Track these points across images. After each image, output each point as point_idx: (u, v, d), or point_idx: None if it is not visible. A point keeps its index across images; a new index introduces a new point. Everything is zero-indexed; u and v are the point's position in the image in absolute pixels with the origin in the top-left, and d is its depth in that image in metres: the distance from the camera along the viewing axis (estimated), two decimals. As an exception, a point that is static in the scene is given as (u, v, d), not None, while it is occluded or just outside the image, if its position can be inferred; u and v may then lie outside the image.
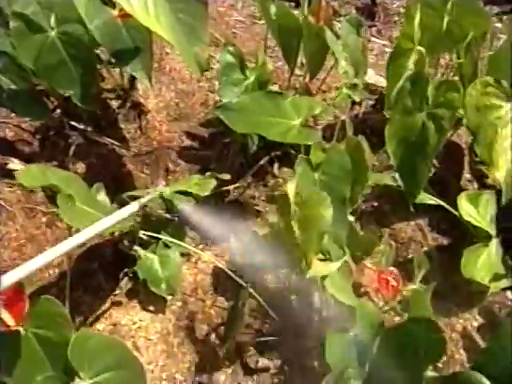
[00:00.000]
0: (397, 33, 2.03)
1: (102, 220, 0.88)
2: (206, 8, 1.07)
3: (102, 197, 1.13)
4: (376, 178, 1.20)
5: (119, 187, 1.49)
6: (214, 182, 1.15)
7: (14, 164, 1.41)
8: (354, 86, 1.16)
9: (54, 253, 0.82)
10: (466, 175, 1.52)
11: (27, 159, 1.51)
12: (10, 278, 0.79)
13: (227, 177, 1.21)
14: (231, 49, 1.22)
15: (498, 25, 1.97)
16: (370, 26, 2.10)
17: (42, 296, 0.83)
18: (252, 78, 1.24)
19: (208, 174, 1.18)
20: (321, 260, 0.93)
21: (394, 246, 1.15)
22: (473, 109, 1.25)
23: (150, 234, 1.11)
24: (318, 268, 0.88)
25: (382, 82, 1.70)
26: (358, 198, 1.08)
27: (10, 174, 1.45)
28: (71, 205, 0.87)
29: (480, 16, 1.23)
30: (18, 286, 0.80)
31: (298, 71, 1.60)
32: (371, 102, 1.66)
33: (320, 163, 1.02)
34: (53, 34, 1.25)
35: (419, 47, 1.22)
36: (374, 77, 1.75)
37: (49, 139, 1.52)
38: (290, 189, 0.84)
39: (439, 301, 1.28)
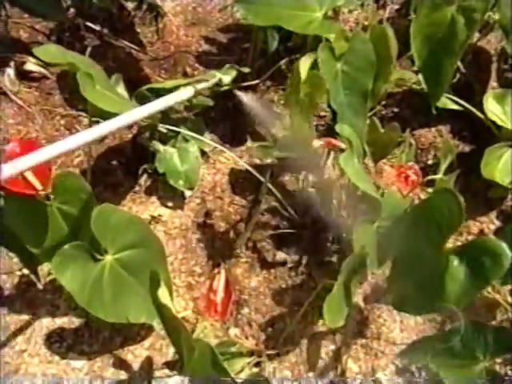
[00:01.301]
0: None
1: (152, 103, 0.85)
2: None
3: (121, 89, 1.11)
4: (400, 74, 1.16)
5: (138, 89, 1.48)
6: (234, 73, 1.12)
7: (32, 64, 1.39)
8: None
9: (83, 138, 0.80)
10: (493, 83, 1.47)
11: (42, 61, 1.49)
12: (31, 160, 0.79)
13: (247, 70, 1.18)
14: None
15: None
16: None
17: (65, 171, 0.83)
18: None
19: (228, 65, 1.14)
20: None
21: (414, 145, 1.13)
22: (506, 3, 1.19)
23: (169, 127, 1.10)
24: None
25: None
26: (381, 91, 1.05)
27: (27, 76, 1.44)
28: (92, 84, 0.86)
29: None
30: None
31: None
32: (396, 7, 1.58)
33: (343, 53, 0.98)
34: None
35: None
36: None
37: (64, 41, 1.49)
38: (304, 64, 0.82)
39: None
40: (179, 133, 1.11)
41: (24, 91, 1.41)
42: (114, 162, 1.24)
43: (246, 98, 1.10)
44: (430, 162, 1.35)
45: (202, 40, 1.54)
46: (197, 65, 1.50)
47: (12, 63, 1.39)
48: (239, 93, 1.12)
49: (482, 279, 0.81)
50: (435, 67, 1.19)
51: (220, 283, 0.90)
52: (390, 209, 0.93)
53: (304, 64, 0.84)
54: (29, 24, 1.52)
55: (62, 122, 1.40)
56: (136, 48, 1.50)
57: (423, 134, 1.38)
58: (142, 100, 1.09)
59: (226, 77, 1.10)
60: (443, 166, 1.05)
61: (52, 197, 0.85)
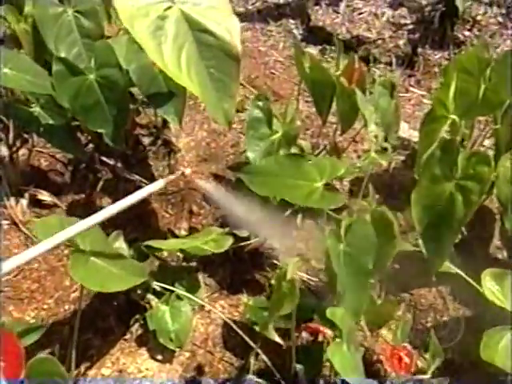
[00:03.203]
0: (436, 84, 2.01)
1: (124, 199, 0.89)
2: (239, 64, 1.08)
3: (120, 244, 1.14)
4: (400, 246, 1.16)
5: (142, 225, 1.52)
6: (230, 240, 1.15)
7: (43, 195, 1.45)
8: (382, 150, 1.14)
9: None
10: (496, 242, 1.47)
11: (58, 189, 1.55)
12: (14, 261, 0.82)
13: (245, 234, 1.20)
14: (260, 103, 1.23)
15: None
16: (410, 76, 2.09)
17: (40, 355, 0.83)
18: (279, 134, 1.24)
19: (226, 229, 1.17)
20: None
21: (410, 319, 1.11)
22: (505, 181, 1.21)
23: (163, 285, 1.11)
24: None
25: (415, 136, 1.67)
26: (385, 267, 1.06)
27: (39, 203, 1.50)
28: (84, 262, 0.88)
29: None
30: (13, 338, 0.80)
31: (331, 117, 1.59)
32: (402, 158, 1.63)
33: (345, 233, 1.00)
34: (92, 76, 1.28)
35: (453, 116, 1.20)
36: (408, 131, 1.73)
37: (79, 172, 1.57)
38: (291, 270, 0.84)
39: (457, 374, 1.24)
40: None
41: (34, 221, 1.45)
42: (108, 308, 1.24)
43: (209, 187, 1.12)
44: (429, 324, 1.32)
45: (211, 177, 1.60)
46: (203, 203, 1.54)
47: (26, 194, 1.45)
48: (202, 182, 1.13)
49: None
50: (435, 238, 1.19)
51: None
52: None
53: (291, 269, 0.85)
54: (51, 153, 1.60)
55: (66, 251, 1.43)
56: (146, 182, 1.55)
57: (423, 294, 1.36)
58: (139, 251, 1.12)
59: (223, 244, 1.12)
60: (432, 367, 1.02)
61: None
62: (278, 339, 1.00)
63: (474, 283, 1.20)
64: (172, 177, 1.08)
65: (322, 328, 0.93)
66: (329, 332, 0.91)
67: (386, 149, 1.17)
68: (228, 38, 1.04)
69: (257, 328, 1.11)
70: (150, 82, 1.34)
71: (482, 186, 1.13)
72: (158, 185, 1.04)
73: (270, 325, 0.97)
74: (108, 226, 1.51)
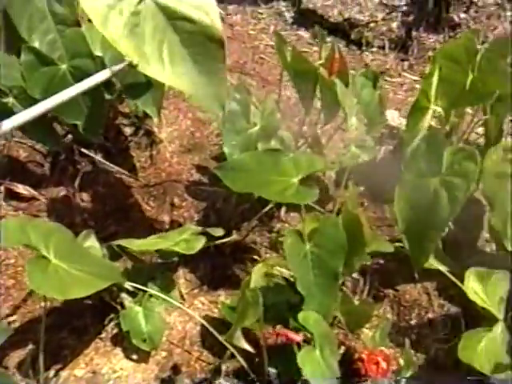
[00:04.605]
0: (430, 69, 1.94)
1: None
2: (224, 46, 1.02)
3: (91, 243, 1.11)
4: (377, 246, 1.13)
5: (124, 218, 1.49)
6: (202, 241, 1.11)
7: (19, 189, 1.42)
8: (364, 144, 1.09)
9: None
10: (485, 235, 1.43)
11: (37, 181, 1.52)
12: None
13: (219, 233, 1.17)
14: (238, 96, 1.18)
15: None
16: (403, 60, 2.02)
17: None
18: (257, 127, 1.19)
19: (199, 229, 1.14)
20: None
21: (389, 321, 1.08)
22: (491, 175, 1.16)
23: (136, 286, 1.08)
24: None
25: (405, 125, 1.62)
26: (355, 268, 1.02)
27: (16, 196, 1.46)
28: (43, 267, 0.85)
29: (503, 75, 1.15)
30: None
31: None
32: (390, 147, 1.58)
33: (313, 232, 0.96)
34: (64, 67, 1.24)
35: (435, 107, 1.14)
36: (398, 119, 1.67)
37: (59, 163, 1.53)
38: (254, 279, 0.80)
39: (439, 372, 1.21)
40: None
41: (10, 214, 1.42)
42: (84, 304, 1.22)
43: None
44: (412, 321, 1.29)
45: (194, 169, 1.55)
46: (185, 195, 1.50)
47: (2, 187, 1.42)
48: None
49: None
50: (419, 236, 1.16)
51: None
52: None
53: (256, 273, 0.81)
54: (30, 143, 1.56)
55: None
56: (127, 174, 1.52)
57: (408, 290, 1.33)
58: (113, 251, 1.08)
59: (194, 246, 1.09)
60: (407, 374, 0.99)
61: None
62: (246, 346, 0.98)
63: (458, 282, 1.16)
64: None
65: (291, 335, 0.90)
66: (298, 338, 0.88)
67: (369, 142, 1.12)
68: (208, 20, 0.98)
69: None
70: (126, 72, 1.29)
71: (468, 183, 1.08)
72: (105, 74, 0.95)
73: (235, 334, 0.94)
74: (88, 219, 1.49)
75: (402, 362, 1.09)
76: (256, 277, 0.83)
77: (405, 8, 2.03)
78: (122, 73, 1.29)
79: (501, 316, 1.08)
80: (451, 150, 1.12)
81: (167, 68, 0.96)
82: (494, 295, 1.09)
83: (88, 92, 1.26)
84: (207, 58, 1.00)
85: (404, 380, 0.97)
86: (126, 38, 0.93)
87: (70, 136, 1.52)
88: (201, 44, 0.99)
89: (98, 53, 1.30)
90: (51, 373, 1.09)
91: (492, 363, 1.04)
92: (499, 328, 1.06)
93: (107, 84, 1.40)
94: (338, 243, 0.95)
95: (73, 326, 1.20)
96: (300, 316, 0.91)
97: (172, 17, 0.98)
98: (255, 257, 1.35)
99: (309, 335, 0.89)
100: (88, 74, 1.23)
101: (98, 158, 1.50)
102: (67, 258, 0.90)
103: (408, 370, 0.98)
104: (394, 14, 2.04)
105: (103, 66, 1.26)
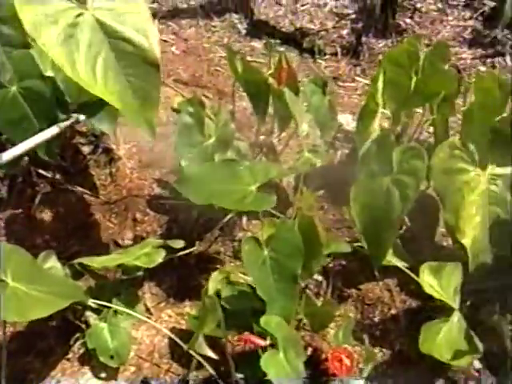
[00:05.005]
0: (381, 73, 2.01)
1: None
2: (159, 71, 1.04)
3: (52, 263, 1.10)
4: (335, 247, 1.16)
5: (86, 237, 1.48)
6: (162, 254, 1.12)
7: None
8: (316, 149, 1.13)
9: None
10: (441, 229, 1.48)
11: (-5, 206, 1.50)
12: None
13: (180, 245, 1.18)
14: (190, 109, 1.20)
15: (482, 68, 1.94)
16: (355, 65, 2.08)
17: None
18: (212, 139, 1.21)
19: (160, 242, 1.15)
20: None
21: (352, 320, 1.11)
22: (440, 172, 1.21)
23: (100, 302, 1.08)
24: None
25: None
26: (314, 270, 1.05)
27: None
28: (0, 292, 0.84)
29: (445, 76, 1.20)
30: None
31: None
32: (346, 151, 1.62)
33: (270, 238, 0.98)
34: (14, 88, 1.23)
35: (383, 110, 1.19)
36: (352, 123, 1.72)
37: (16, 186, 1.51)
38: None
39: (404, 366, 1.25)
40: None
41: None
42: (47, 326, 1.20)
43: None
44: (376, 318, 1.32)
45: (155, 183, 1.56)
46: (148, 210, 1.50)
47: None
48: None
49: None
50: (376, 235, 1.19)
51: None
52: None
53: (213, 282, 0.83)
54: (-15, 167, 1.53)
55: None
56: (88, 192, 1.51)
57: (370, 288, 1.36)
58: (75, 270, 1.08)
59: (155, 259, 1.10)
60: (367, 370, 1.02)
61: None
62: (210, 354, 0.99)
63: (415, 277, 1.20)
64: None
65: (256, 340, 0.91)
66: (262, 343, 0.90)
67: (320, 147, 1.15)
68: (146, 44, 1.00)
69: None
70: (79, 91, 1.29)
71: (418, 181, 1.13)
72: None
73: (197, 341, 0.95)
74: (50, 240, 1.48)
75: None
76: (214, 284, 0.85)
77: (354, 16, 2.10)
78: (76, 93, 1.31)
79: (456, 306, 1.12)
80: (400, 149, 1.16)
81: (99, 82, 0.98)
82: (448, 287, 1.13)
83: (40, 112, 1.27)
84: (142, 81, 1.01)
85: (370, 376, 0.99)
86: (59, 46, 0.94)
87: (26, 158, 1.50)
88: (137, 66, 1.01)
89: (49, 73, 1.30)
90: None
91: (451, 352, 1.08)
92: (456, 317, 1.10)
93: (61, 103, 1.40)
94: (295, 246, 0.98)
95: (37, 349, 1.19)
96: (262, 320, 0.92)
97: (111, 35, 1.00)
98: (219, 266, 1.36)
99: (274, 339, 0.91)
100: (39, 95, 1.25)
101: (57, 178, 1.49)
102: (26, 279, 0.90)
103: (368, 366, 1.01)
104: (343, 21, 2.10)
105: (55, 87, 1.27)
